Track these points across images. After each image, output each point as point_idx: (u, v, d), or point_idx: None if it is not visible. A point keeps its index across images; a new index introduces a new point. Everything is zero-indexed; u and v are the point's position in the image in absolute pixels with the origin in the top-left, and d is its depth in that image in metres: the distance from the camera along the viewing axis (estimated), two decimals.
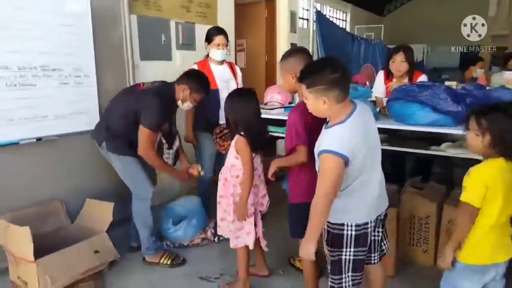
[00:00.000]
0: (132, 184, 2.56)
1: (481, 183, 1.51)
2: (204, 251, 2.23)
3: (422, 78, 3.14)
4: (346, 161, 1.48)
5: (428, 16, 10.53)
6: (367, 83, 4.99)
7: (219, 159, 2.91)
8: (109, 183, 3.04)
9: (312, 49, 4.34)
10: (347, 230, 1.62)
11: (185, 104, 2.53)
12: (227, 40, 2.97)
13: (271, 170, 2.03)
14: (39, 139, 2.54)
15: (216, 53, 2.91)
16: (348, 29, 9.11)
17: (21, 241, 2.19)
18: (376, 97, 3.30)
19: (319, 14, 4.93)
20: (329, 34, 5.06)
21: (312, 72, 1.57)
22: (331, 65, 1.54)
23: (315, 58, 4.28)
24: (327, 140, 1.54)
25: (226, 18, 4.17)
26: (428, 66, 9.21)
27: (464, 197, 1.53)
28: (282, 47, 5.33)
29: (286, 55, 2.01)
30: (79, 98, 2.76)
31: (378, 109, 2.93)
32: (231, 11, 4.31)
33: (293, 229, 2.11)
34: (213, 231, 2.83)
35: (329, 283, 1.73)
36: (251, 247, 2.16)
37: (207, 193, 3.07)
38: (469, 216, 1.53)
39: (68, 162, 2.81)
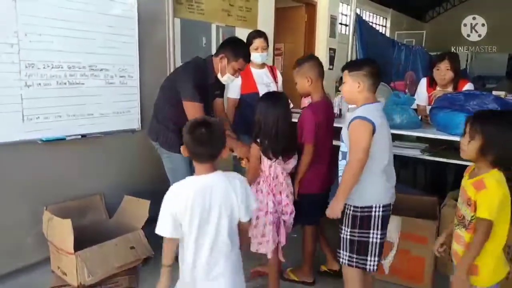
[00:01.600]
0: (172, 182, 2.58)
1: (499, 195, 1.48)
2: None
3: (468, 86, 3.01)
4: (374, 128, 1.74)
5: None
6: (406, 90, 4.85)
7: None
8: (147, 181, 3.12)
9: (351, 55, 4.26)
10: (375, 211, 1.84)
11: (225, 77, 2.47)
12: (267, 43, 2.96)
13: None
14: (83, 136, 2.65)
15: (255, 56, 2.89)
16: (388, 34, 8.91)
17: (62, 233, 2.29)
18: (418, 105, 3.20)
19: (359, 19, 4.84)
20: (369, 39, 4.96)
21: (357, 62, 2.00)
22: (372, 61, 1.94)
23: None
24: (355, 113, 1.81)
25: (266, 22, 4.20)
26: (471, 74, 8.84)
27: (483, 213, 1.48)
28: (321, 52, 5.30)
29: (301, 62, 2.27)
30: (122, 97, 2.86)
31: (420, 117, 2.84)
32: (271, 15, 4.33)
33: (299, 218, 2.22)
34: None
35: (354, 263, 1.88)
36: (268, 256, 2.13)
37: None
38: (487, 232, 1.50)
39: (110, 159, 2.91)
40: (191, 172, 2.57)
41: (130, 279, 2.42)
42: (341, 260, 1.94)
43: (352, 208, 1.86)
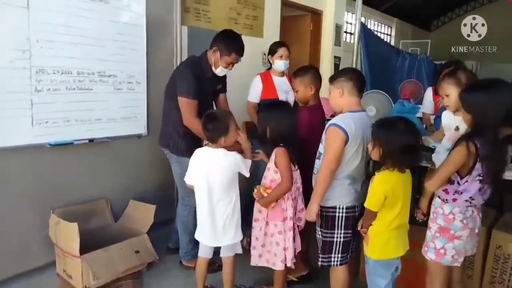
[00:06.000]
0: (180, 187, 2.61)
1: (381, 192, 1.72)
2: (240, 259, 2.23)
3: None
4: (346, 139, 1.83)
5: None
6: (411, 99, 4.86)
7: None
8: (153, 186, 3.15)
9: (355, 63, 4.29)
10: (339, 213, 1.96)
11: (218, 69, 2.51)
12: (289, 52, 3.08)
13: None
14: (91, 140, 2.68)
15: (279, 64, 3.03)
16: (392, 43, 8.95)
17: (69, 236, 2.31)
18: (423, 113, 3.21)
19: (364, 27, 4.87)
20: (374, 48, 4.99)
21: (337, 72, 2.11)
22: (351, 69, 2.25)
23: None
24: (334, 119, 1.91)
25: (272, 30, 4.24)
26: None
27: (366, 203, 1.79)
28: (326, 60, 5.33)
29: (304, 72, 2.38)
30: (130, 103, 2.90)
31: (424, 126, 2.85)
32: (277, 24, 4.37)
33: None
34: (249, 239, 2.83)
35: (320, 261, 2.04)
36: (288, 264, 2.10)
37: (245, 201, 3.09)
38: (369, 218, 1.82)
39: (116, 164, 2.94)
40: None
41: (134, 283, 2.43)
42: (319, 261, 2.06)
43: (319, 208, 1.98)
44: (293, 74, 2.53)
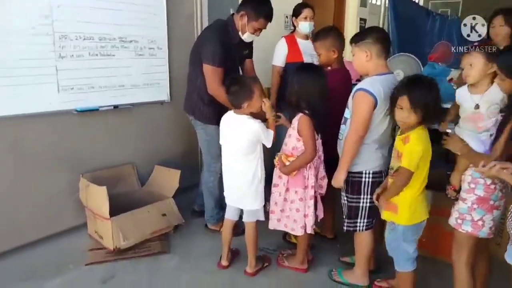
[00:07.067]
0: (206, 154, 2.62)
1: (420, 150, 1.68)
2: (264, 223, 2.26)
3: None
4: (375, 103, 1.79)
5: None
6: (440, 63, 4.65)
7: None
8: (177, 151, 3.20)
9: (382, 25, 4.11)
10: (365, 178, 1.94)
11: (245, 35, 2.44)
12: (314, 13, 2.99)
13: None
14: (116, 107, 2.71)
15: (304, 25, 2.95)
16: (421, 3, 8.49)
17: (98, 199, 2.39)
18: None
19: None
20: (402, 9, 4.74)
21: (361, 32, 1.99)
22: (377, 29, 2.02)
23: None
24: (362, 83, 1.85)
25: None
26: None
27: (406, 164, 1.70)
28: (351, 22, 5.13)
29: (325, 35, 2.28)
30: (152, 69, 2.89)
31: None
32: None
33: None
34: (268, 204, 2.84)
35: (345, 226, 2.04)
36: (308, 230, 2.11)
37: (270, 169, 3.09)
38: (407, 180, 1.73)
39: (141, 130, 2.98)
40: None
41: (162, 244, 2.52)
42: (344, 226, 2.06)
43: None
44: (313, 37, 2.44)
